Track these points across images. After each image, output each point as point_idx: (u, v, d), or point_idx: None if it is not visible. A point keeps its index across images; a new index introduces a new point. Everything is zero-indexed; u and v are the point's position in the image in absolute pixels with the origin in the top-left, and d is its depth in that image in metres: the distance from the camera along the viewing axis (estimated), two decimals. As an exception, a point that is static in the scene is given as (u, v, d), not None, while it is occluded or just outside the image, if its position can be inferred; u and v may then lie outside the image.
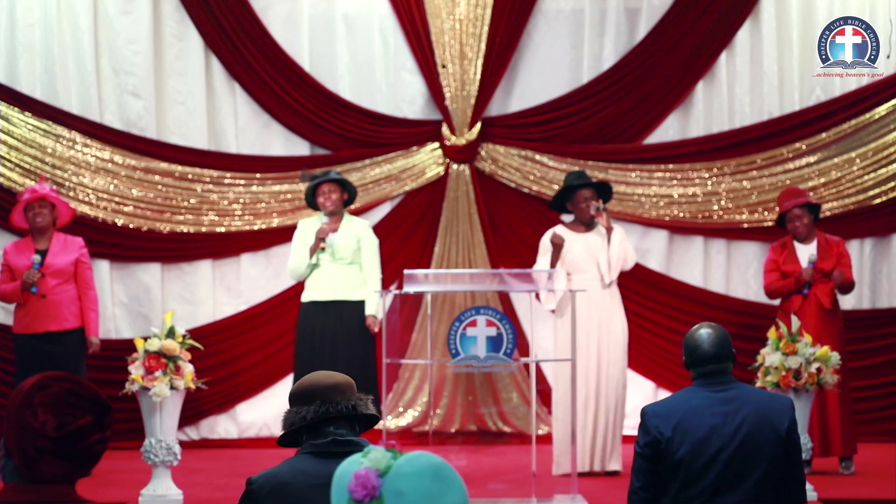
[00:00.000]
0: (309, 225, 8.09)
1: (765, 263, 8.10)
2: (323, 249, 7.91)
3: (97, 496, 7.30)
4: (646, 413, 4.30)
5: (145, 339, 6.73)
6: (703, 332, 4.32)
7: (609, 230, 7.76)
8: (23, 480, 2.77)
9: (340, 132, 9.29)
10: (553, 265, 7.63)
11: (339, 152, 9.28)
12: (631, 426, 8.75)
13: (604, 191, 7.93)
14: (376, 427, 7.13)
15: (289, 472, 3.44)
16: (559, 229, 7.89)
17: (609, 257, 7.72)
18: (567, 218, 8.00)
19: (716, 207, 9.26)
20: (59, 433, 2.68)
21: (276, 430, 8.75)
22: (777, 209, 8.18)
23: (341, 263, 7.94)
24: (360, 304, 7.96)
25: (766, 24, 9.26)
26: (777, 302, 8.05)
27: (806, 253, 7.84)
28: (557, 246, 7.67)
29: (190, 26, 9.21)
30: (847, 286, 7.87)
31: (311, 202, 8.07)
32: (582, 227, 7.87)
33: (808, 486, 5.94)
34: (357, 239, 7.98)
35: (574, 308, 7.16)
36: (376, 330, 7.90)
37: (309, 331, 7.97)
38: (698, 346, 4.30)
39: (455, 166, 9.27)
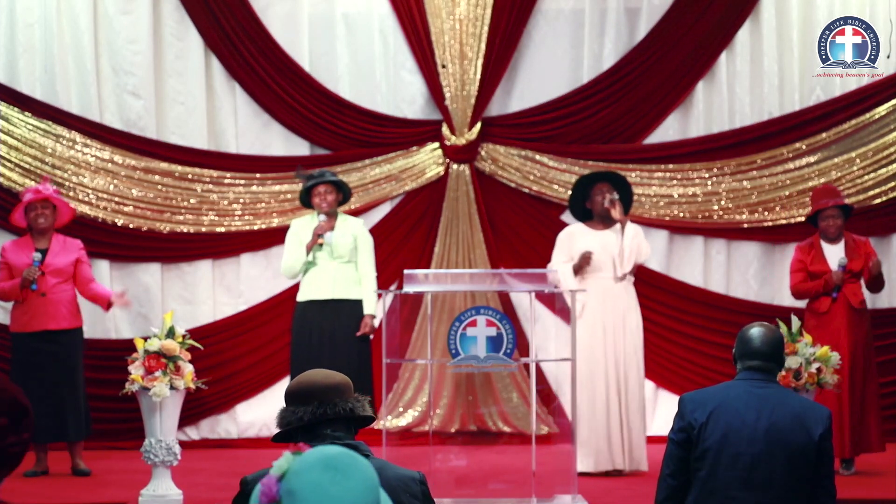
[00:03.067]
0: (303, 224, 8.08)
1: (791, 263, 8.02)
2: (321, 246, 7.91)
3: (97, 496, 7.33)
4: (683, 399, 4.33)
5: (145, 339, 6.73)
6: (759, 328, 4.35)
7: (622, 223, 7.76)
8: None
9: (340, 132, 9.29)
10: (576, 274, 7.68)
11: (339, 152, 9.28)
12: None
13: (622, 186, 7.92)
14: (376, 427, 7.09)
15: None
16: (577, 227, 7.89)
17: (622, 249, 7.72)
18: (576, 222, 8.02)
19: (716, 207, 9.26)
20: None
21: (276, 430, 8.74)
22: (812, 206, 8.07)
23: (339, 262, 7.94)
24: (356, 303, 7.96)
25: (766, 24, 9.26)
26: (804, 303, 8.01)
27: (833, 254, 7.81)
28: (586, 262, 7.66)
29: (190, 26, 9.21)
30: (881, 280, 7.84)
31: (306, 201, 8.08)
32: (599, 225, 7.86)
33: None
34: (354, 237, 7.98)
35: (574, 307, 7.15)
36: (367, 330, 7.90)
37: (306, 330, 7.96)
38: (750, 340, 4.32)
39: (455, 166, 9.27)
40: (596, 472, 7.62)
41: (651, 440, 8.86)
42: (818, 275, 7.77)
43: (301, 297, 8.03)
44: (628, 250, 7.72)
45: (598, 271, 7.73)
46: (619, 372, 7.68)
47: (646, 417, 7.85)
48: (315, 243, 7.90)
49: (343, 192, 8.08)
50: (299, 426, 3.50)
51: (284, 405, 3.56)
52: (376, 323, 7.94)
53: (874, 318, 9.09)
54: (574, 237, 7.84)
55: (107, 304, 7.91)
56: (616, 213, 7.74)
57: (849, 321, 7.71)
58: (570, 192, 8.32)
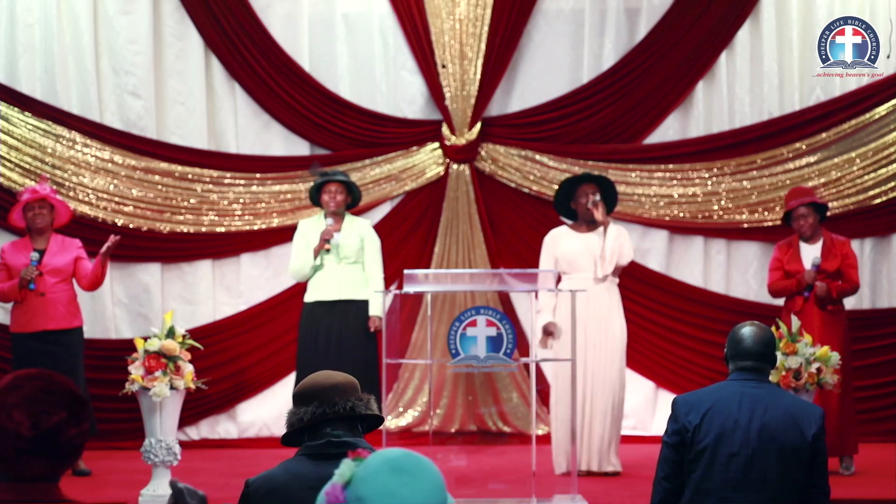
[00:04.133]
0: (310, 225, 8.09)
1: (770, 262, 8.09)
2: (328, 251, 7.93)
3: (97, 496, 7.33)
4: (676, 402, 4.33)
5: (145, 339, 6.74)
6: (751, 328, 4.35)
7: (605, 225, 7.75)
8: (4, 480, 2.78)
9: (340, 132, 9.29)
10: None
11: (339, 152, 9.28)
12: (630, 426, 8.80)
13: (606, 187, 7.91)
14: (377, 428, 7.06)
15: (283, 475, 3.48)
16: (561, 230, 7.90)
17: (603, 250, 7.71)
18: (567, 221, 8.02)
19: (716, 207, 9.26)
20: (35, 432, 2.69)
21: (277, 430, 8.75)
22: (784, 207, 8.15)
23: (345, 263, 7.96)
24: (364, 304, 7.98)
25: (766, 24, 9.26)
26: (781, 301, 8.05)
27: (810, 253, 7.83)
28: (549, 334, 7.61)
29: (190, 26, 9.21)
30: (845, 292, 7.85)
31: (315, 198, 8.09)
32: (583, 227, 7.86)
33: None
34: (360, 238, 8.01)
35: (574, 308, 7.15)
36: (372, 330, 7.93)
37: (313, 331, 7.97)
38: (742, 341, 4.32)
39: (455, 166, 9.27)
40: (563, 472, 7.56)
41: (652, 440, 8.87)
42: (793, 274, 7.80)
43: (308, 297, 8.04)
44: (609, 252, 7.71)
45: (580, 272, 7.71)
46: (595, 373, 7.65)
47: (621, 419, 7.79)
48: (322, 248, 7.92)
49: (353, 195, 8.11)
50: (301, 427, 3.53)
51: (292, 407, 3.59)
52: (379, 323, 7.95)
53: (871, 318, 9.12)
54: (558, 240, 7.84)
55: (102, 263, 7.79)
56: (598, 214, 7.74)
57: (822, 321, 7.71)
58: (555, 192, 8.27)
